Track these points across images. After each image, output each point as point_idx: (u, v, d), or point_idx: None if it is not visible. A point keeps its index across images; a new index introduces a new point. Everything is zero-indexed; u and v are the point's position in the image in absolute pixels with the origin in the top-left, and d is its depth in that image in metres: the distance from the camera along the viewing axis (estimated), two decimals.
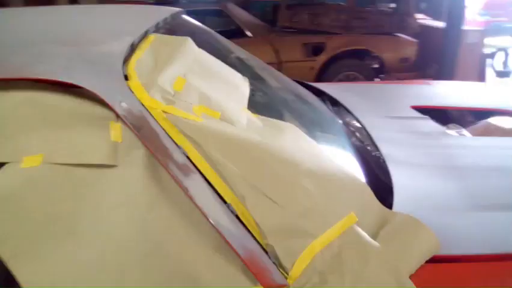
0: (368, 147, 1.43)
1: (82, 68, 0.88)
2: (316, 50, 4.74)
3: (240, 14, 5.06)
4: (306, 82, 2.13)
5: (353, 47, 4.81)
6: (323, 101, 1.86)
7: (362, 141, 1.48)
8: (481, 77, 4.88)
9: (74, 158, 0.83)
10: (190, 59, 1.09)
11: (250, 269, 0.81)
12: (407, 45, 4.87)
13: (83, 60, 0.90)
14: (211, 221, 0.81)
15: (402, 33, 4.98)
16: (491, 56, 5.03)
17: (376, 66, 5.08)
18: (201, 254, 0.82)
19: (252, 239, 0.84)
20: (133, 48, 1.02)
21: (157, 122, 0.87)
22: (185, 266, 0.80)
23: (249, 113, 1.09)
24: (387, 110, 1.82)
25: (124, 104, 0.86)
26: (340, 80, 4.67)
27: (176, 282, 0.79)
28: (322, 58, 4.72)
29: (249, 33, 4.73)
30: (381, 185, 1.14)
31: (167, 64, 1.01)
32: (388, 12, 5.22)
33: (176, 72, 1.00)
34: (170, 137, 0.86)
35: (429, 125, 1.65)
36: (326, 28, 4.91)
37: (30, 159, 0.83)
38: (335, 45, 4.78)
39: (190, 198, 0.82)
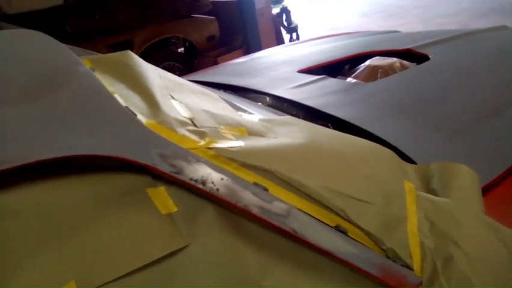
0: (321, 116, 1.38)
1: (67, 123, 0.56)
2: (124, 48, 4.39)
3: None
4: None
5: (161, 37, 4.64)
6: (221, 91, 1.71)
7: (314, 115, 1.42)
8: (278, 36, 5.36)
9: (123, 265, 0.53)
10: (157, 75, 0.81)
11: (389, 283, 0.68)
12: (209, 24, 4.96)
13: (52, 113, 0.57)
14: (334, 252, 0.64)
15: (198, 13, 5.03)
16: (279, 15, 5.56)
17: (181, 50, 5.07)
18: None
19: (373, 252, 0.70)
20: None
21: (215, 164, 0.62)
22: None
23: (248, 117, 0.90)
24: (284, 80, 1.80)
25: (165, 156, 0.58)
26: None
27: None
28: None
29: None
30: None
31: (146, 88, 0.73)
32: None
33: (166, 95, 0.74)
34: (239, 178, 0.63)
35: (335, 82, 1.71)
36: (125, 24, 4.57)
37: None
38: (141, 39, 4.53)
39: (301, 238, 0.63)
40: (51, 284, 0.50)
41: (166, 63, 4.59)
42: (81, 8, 4.47)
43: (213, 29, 4.96)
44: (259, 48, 4.86)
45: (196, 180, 0.58)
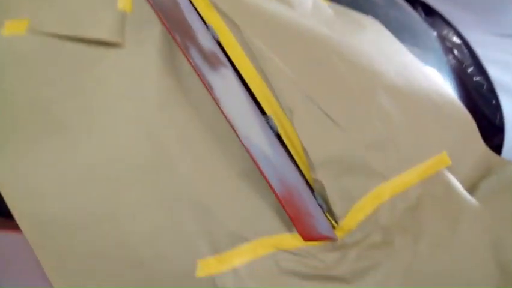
0: (470, 69, 1.09)
1: None
2: None
3: None
4: None
5: None
6: (415, 8, 1.47)
7: (462, 61, 1.13)
8: None
9: (66, 28, 0.61)
10: None
11: (287, 210, 0.57)
12: None
13: None
14: (240, 135, 0.57)
15: None
16: None
17: None
18: (220, 179, 0.59)
19: (294, 169, 0.59)
20: None
21: None
22: (197, 192, 0.58)
23: None
24: (496, 24, 1.42)
25: None
26: None
27: (182, 209, 0.58)
28: None
29: None
30: (486, 121, 0.82)
31: None
32: None
33: None
34: (197, 12, 0.60)
35: None
36: None
37: (13, 25, 0.62)
38: None
39: (215, 100, 0.57)
40: (15, 12, 0.62)
41: None
42: None
43: None
44: None
45: None
